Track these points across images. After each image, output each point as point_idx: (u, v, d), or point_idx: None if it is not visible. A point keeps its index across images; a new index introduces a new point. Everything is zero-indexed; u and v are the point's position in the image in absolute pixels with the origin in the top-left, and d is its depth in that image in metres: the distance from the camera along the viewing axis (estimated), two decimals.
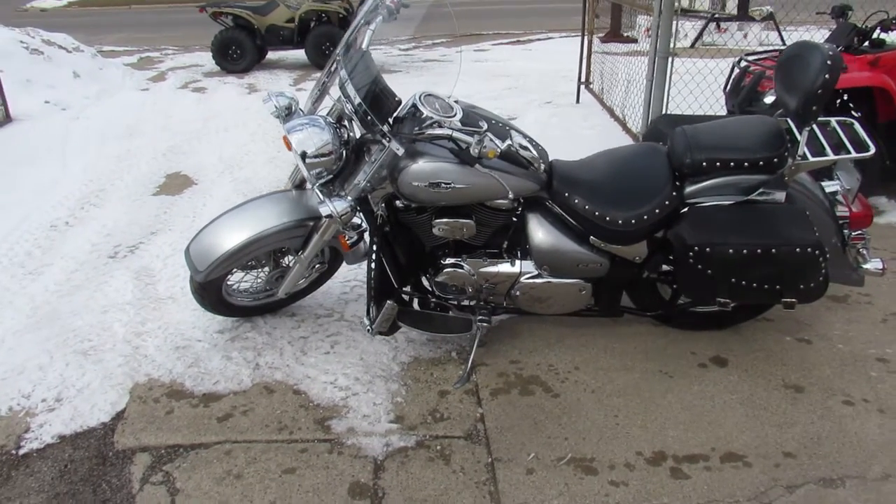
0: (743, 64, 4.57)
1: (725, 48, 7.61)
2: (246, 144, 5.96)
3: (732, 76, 4.70)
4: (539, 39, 13.12)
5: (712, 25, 10.65)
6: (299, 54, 10.36)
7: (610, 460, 2.35)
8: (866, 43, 4.37)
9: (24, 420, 2.51)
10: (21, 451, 2.37)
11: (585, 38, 7.35)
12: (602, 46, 7.53)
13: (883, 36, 4.39)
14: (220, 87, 8.80)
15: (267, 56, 10.64)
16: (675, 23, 4.54)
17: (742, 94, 4.31)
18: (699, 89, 5.22)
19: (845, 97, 4.28)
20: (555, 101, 7.41)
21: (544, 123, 6.48)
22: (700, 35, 10.56)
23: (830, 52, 2.34)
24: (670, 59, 4.71)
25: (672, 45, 4.73)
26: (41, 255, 3.80)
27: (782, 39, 10.23)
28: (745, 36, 10.78)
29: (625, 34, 11.31)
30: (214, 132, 6.42)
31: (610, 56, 6.80)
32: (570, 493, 2.21)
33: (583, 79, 7.47)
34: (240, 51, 9.71)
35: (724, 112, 4.83)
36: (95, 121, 6.84)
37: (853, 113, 4.27)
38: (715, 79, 5.20)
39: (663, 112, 4.87)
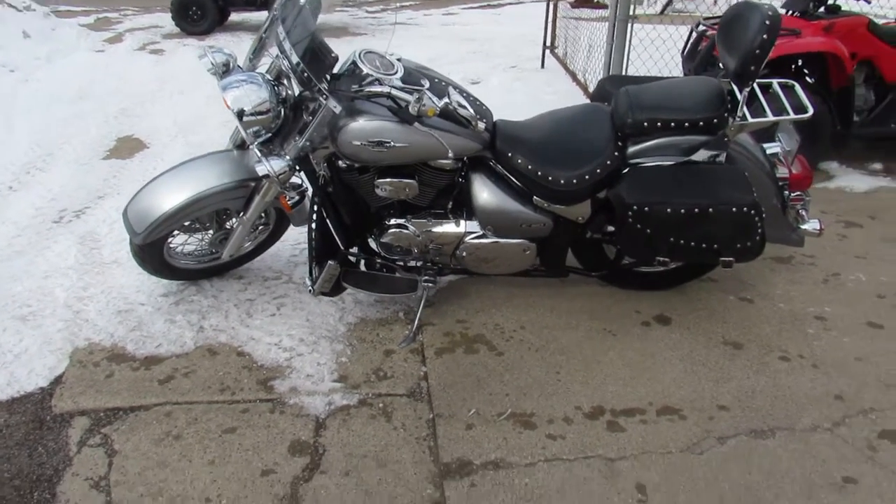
0: (700, 28, 4.57)
1: (696, 14, 7.60)
2: (201, 108, 5.85)
3: (690, 40, 4.70)
4: (510, 3, 13.02)
5: None
6: (263, 16, 10.13)
7: (549, 415, 2.39)
8: (822, 8, 4.39)
9: None
10: None
11: (550, 3, 7.30)
12: (571, 12, 7.48)
13: (839, 2, 4.42)
14: (179, 49, 8.59)
15: (229, 17, 10.40)
16: None
17: (698, 58, 4.31)
18: (658, 54, 5.23)
19: (800, 62, 4.32)
20: (519, 66, 7.37)
21: (507, 88, 6.45)
22: (670, 1, 10.54)
23: (769, 12, 2.35)
24: (630, 24, 4.71)
25: (633, 10, 4.72)
26: None
27: None
28: (715, 2, 10.78)
29: (596, 0, 11.25)
30: (170, 95, 6.29)
31: (574, 21, 6.76)
32: (508, 446, 2.25)
33: (548, 44, 7.43)
34: (200, 11, 9.47)
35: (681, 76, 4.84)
36: (45, 83, 6.64)
37: (807, 79, 4.31)
38: (675, 44, 5.21)
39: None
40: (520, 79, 6.75)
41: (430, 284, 2.78)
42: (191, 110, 5.78)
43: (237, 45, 8.87)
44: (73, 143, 4.94)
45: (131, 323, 2.81)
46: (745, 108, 2.52)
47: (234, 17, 10.62)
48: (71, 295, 2.98)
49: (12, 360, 2.58)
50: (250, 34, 9.75)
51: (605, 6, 10.26)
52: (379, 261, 2.83)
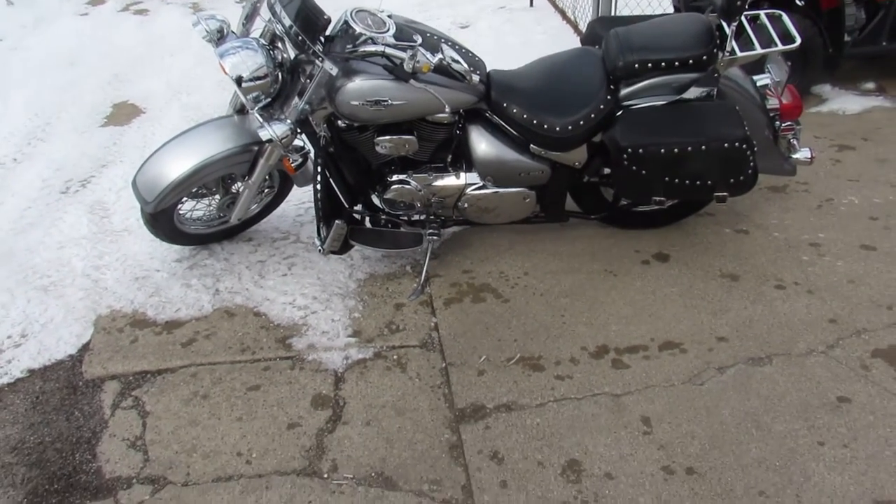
0: None
1: None
2: (193, 69, 5.81)
3: None
4: None
5: None
6: None
7: (556, 357, 2.50)
8: None
9: None
10: None
11: None
12: None
13: None
14: (163, 8, 8.43)
15: None
16: None
17: None
18: None
19: None
20: (508, 6, 7.24)
21: (498, 30, 6.38)
22: None
23: None
24: None
25: None
26: None
27: None
28: None
29: None
30: (160, 57, 6.23)
31: None
32: (518, 389, 2.37)
33: None
34: None
35: (671, 10, 4.80)
36: (34, 51, 6.57)
37: (797, 2, 4.28)
38: None
39: (612, 12, 4.83)
40: (510, 20, 6.65)
41: (435, 237, 2.86)
42: (182, 72, 5.74)
43: (220, 1, 8.73)
44: (70, 111, 4.95)
45: (149, 289, 2.91)
46: (733, 43, 2.55)
47: None
48: (88, 264, 3.07)
49: (40, 330, 2.69)
50: None
51: None
52: (383, 217, 2.90)
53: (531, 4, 7.14)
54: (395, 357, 2.54)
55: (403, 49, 2.33)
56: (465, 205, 2.83)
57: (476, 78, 2.47)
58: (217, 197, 3.00)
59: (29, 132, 4.61)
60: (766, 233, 3.11)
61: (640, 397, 2.31)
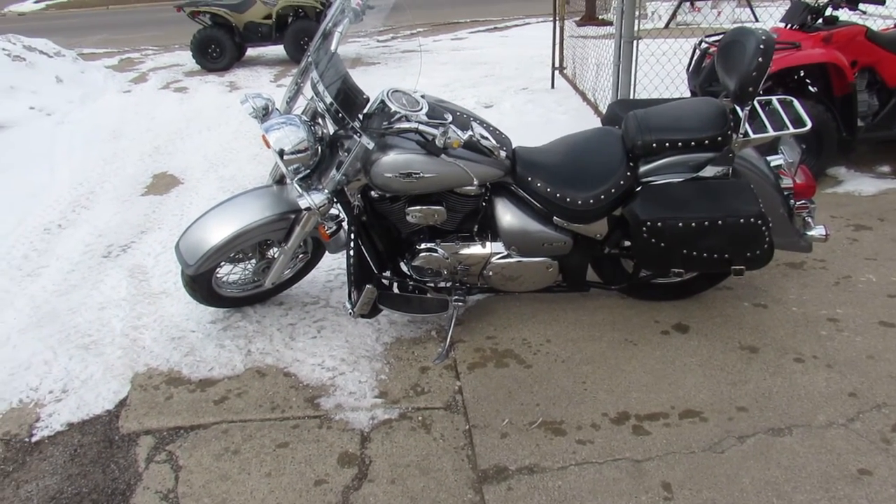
0: (703, 45, 4.75)
1: (700, 28, 7.80)
2: (229, 142, 6.11)
3: (694, 57, 4.88)
4: (516, 25, 13.27)
5: (686, 5, 10.82)
6: (278, 50, 10.47)
7: (577, 422, 2.55)
8: (820, 20, 4.55)
9: (34, 411, 2.69)
10: (34, 439, 2.55)
11: (557, 23, 7.51)
12: (578, 30, 7.69)
13: (835, 13, 4.58)
14: (202, 86, 8.92)
15: (246, 53, 10.74)
16: (646, 4, 4.71)
17: (702, 74, 4.49)
18: (665, 71, 5.41)
19: (802, 73, 4.49)
20: (530, 87, 7.58)
21: (520, 110, 6.66)
22: (674, 15, 10.73)
23: (763, 37, 2.54)
24: (635, 43, 4.90)
25: (637, 29, 4.91)
26: (37, 258, 3.96)
27: (755, 16, 10.42)
28: (719, 14, 10.97)
29: (600, 17, 11.49)
30: (198, 131, 6.57)
31: (581, 40, 6.97)
32: (541, 452, 2.42)
33: (556, 64, 7.64)
34: (219, 49, 9.82)
35: (688, 93, 5.02)
36: (80, 125, 6.96)
37: (810, 88, 4.47)
38: (680, 60, 5.39)
39: (631, 95, 5.06)
40: (532, 100, 6.95)
41: (460, 303, 2.97)
42: (219, 145, 6.05)
43: (256, 79, 9.20)
44: (113, 181, 5.22)
45: (184, 349, 3.03)
46: (747, 125, 2.70)
47: (251, 52, 10.97)
48: (127, 324, 3.20)
49: (80, 386, 2.80)
50: (267, 67, 10.09)
51: (610, 23, 10.54)
52: (411, 283, 3.02)
53: (552, 86, 7.46)
54: (419, 418, 2.60)
55: (435, 126, 2.51)
56: (490, 273, 2.94)
57: (503, 154, 2.64)
58: (253, 262, 3.15)
59: (74, 200, 4.86)
60: (784, 307, 3.18)
61: (661, 463, 2.35)
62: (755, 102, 2.72)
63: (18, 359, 2.99)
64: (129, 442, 2.52)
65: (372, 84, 2.65)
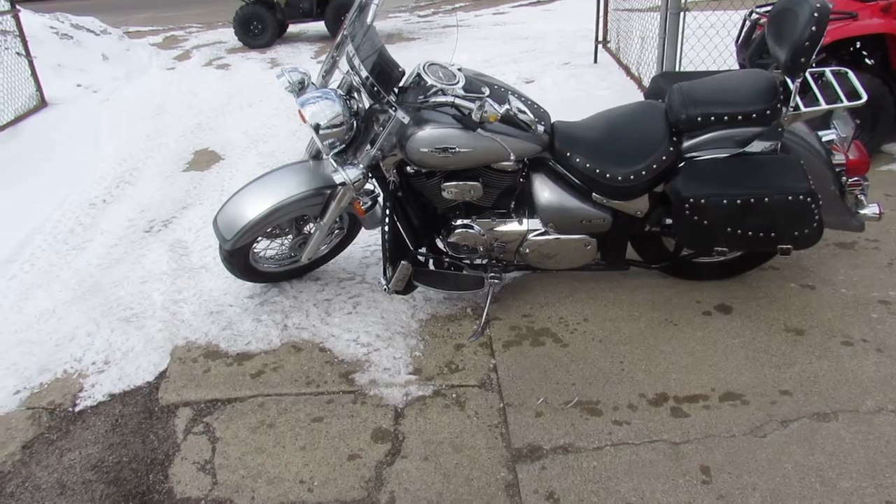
0: (753, 16, 4.57)
1: None
2: (269, 119, 6.15)
3: (744, 29, 4.70)
4: None
5: None
6: (319, 26, 10.47)
7: (614, 402, 2.51)
8: None
9: (77, 381, 2.76)
10: (77, 409, 2.61)
11: None
12: (623, 3, 7.49)
13: None
14: (243, 62, 8.98)
15: (288, 30, 10.77)
16: None
17: (752, 46, 4.32)
18: (712, 44, 5.23)
19: (858, 45, 4.29)
20: (572, 62, 7.43)
21: (562, 85, 6.54)
22: None
23: (818, 5, 2.41)
24: (682, 15, 4.74)
25: (684, 1, 4.75)
26: (83, 232, 4.05)
27: None
28: None
29: None
30: (239, 108, 6.62)
31: (625, 14, 6.79)
32: (576, 432, 2.38)
33: (600, 38, 7.47)
34: (261, 26, 9.85)
35: (736, 66, 4.85)
36: (125, 102, 7.08)
37: (867, 61, 4.27)
38: (728, 32, 5.20)
39: (676, 68, 4.91)
40: (573, 75, 6.81)
41: (496, 281, 2.94)
42: (259, 122, 6.09)
43: (296, 56, 9.22)
44: (156, 157, 5.30)
45: (222, 323, 3.06)
46: (797, 98, 2.58)
47: (292, 28, 11.00)
48: (167, 298, 3.26)
49: (121, 358, 2.86)
50: (308, 44, 10.10)
51: None
52: (447, 260, 3.00)
53: (595, 61, 7.30)
54: (454, 395, 2.59)
55: (472, 100, 2.46)
56: (527, 250, 2.90)
57: (541, 128, 2.57)
58: (290, 237, 3.17)
59: (118, 176, 4.95)
60: (833, 289, 3.06)
61: (700, 446, 2.29)
62: (807, 74, 2.60)
63: (63, 330, 3.06)
64: (168, 413, 2.57)
65: (411, 60, 2.61)
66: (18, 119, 6.36)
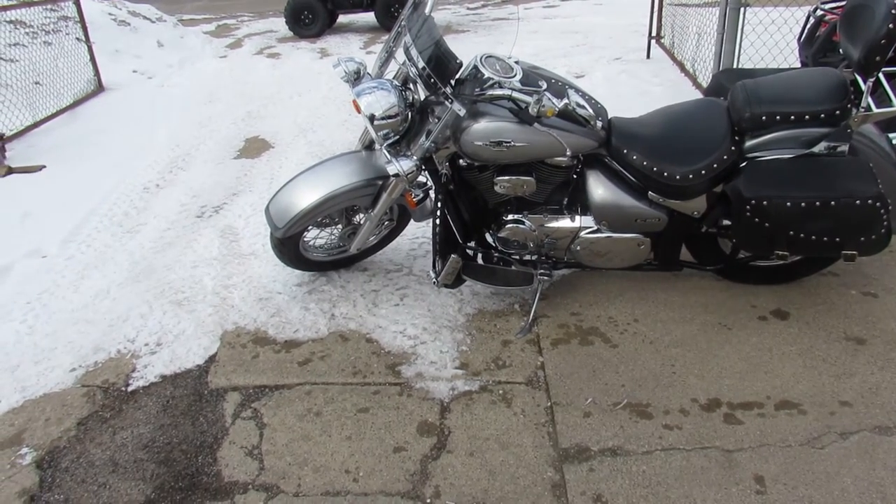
0: (818, 13, 4.42)
1: None
2: (319, 108, 6.19)
3: (808, 26, 4.56)
4: None
5: None
6: (369, 17, 10.50)
7: (665, 406, 2.45)
8: None
9: (130, 361, 2.81)
10: (129, 388, 2.66)
11: None
12: None
13: None
14: (294, 52, 9.06)
15: (338, 20, 10.83)
16: None
17: (816, 44, 4.19)
18: (773, 41, 5.08)
19: None
20: (624, 57, 7.31)
21: (613, 80, 6.43)
22: None
23: None
24: (742, 10, 4.61)
25: None
26: (136, 215, 4.13)
27: None
28: None
29: None
30: (289, 97, 6.68)
31: (681, 8, 6.64)
32: (625, 434, 2.34)
33: (653, 33, 7.32)
34: (311, 15, 9.92)
35: (797, 64, 4.70)
36: (179, 88, 7.21)
37: None
38: (790, 29, 5.05)
39: (734, 66, 4.78)
40: (625, 71, 6.70)
41: (546, 277, 2.89)
42: (309, 111, 6.13)
43: (346, 46, 9.27)
44: (208, 144, 5.38)
45: (271, 309, 3.09)
46: (869, 98, 2.48)
47: (342, 18, 11.06)
48: (217, 283, 3.30)
49: (172, 340, 2.91)
50: (358, 35, 10.14)
51: None
52: (496, 255, 2.97)
53: (648, 56, 7.17)
54: (500, 392, 2.57)
55: (529, 94, 2.42)
56: (578, 248, 2.85)
57: (599, 124, 2.52)
58: (340, 227, 3.17)
59: (171, 161, 5.04)
60: None
61: (754, 455, 2.22)
62: (880, 74, 2.49)
63: (117, 311, 3.13)
64: (217, 397, 2.60)
65: (461, 52, 2.59)
66: (77, 103, 6.52)
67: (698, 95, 5.37)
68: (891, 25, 2.29)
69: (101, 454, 2.36)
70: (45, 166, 4.94)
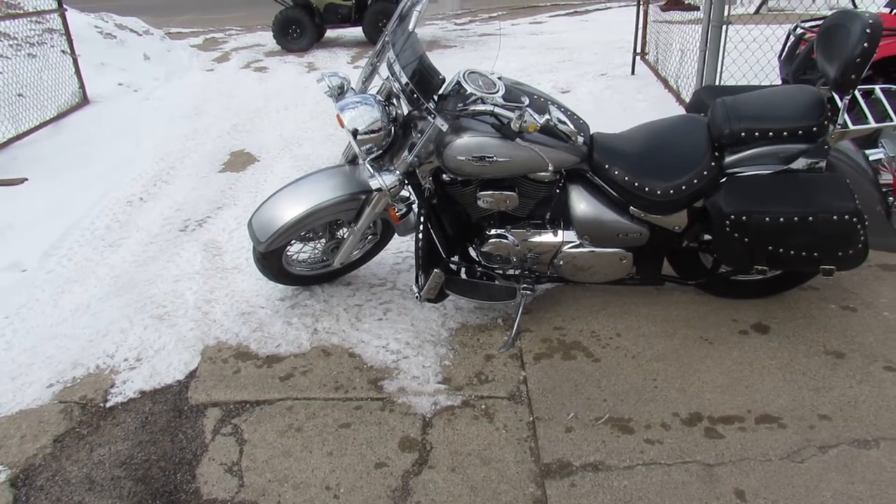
0: (798, 31, 4.50)
1: (794, 13, 7.37)
2: (305, 122, 6.19)
3: (788, 44, 4.62)
4: (597, 9, 12.95)
5: None
6: (357, 32, 10.54)
7: (646, 420, 2.46)
8: None
9: (109, 377, 2.78)
10: (108, 404, 2.63)
11: (641, 7, 7.27)
12: (662, 15, 7.43)
13: None
14: (281, 66, 9.07)
15: (325, 34, 10.87)
16: None
17: (796, 62, 4.25)
18: (754, 58, 5.15)
19: None
20: (609, 73, 7.38)
21: (598, 96, 6.49)
22: (765, 0, 10.24)
23: (871, 21, 2.35)
24: (724, 28, 4.67)
25: (727, 14, 4.68)
26: (119, 229, 4.11)
27: (854, 2, 9.82)
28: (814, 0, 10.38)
29: (686, 1, 11.06)
30: (275, 111, 6.68)
31: (665, 25, 6.73)
32: (607, 449, 2.34)
33: (638, 50, 7.40)
34: (299, 30, 9.96)
35: (779, 81, 4.76)
36: (165, 101, 7.19)
37: None
38: (771, 47, 5.12)
39: (717, 82, 4.84)
40: (610, 86, 6.76)
41: (529, 292, 2.90)
42: (295, 125, 6.13)
43: (333, 61, 9.29)
44: (193, 157, 5.36)
45: (253, 324, 3.07)
46: (845, 115, 2.52)
47: (330, 33, 11.10)
48: (199, 297, 3.28)
49: (153, 355, 2.88)
50: (345, 49, 10.18)
51: (696, 8, 10.14)
52: (479, 269, 2.97)
53: (633, 72, 7.24)
54: (482, 407, 2.56)
55: (512, 109, 2.44)
56: (561, 262, 2.86)
57: (580, 139, 2.54)
58: (323, 241, 3.17)
59: (155, 174, 5.02)
60: (875, 312, 2.98)
61: (735, 469, 2.23)
62: (856, 91, 2.53)
63: (97, 326, 3.10)
64: (197, 413, 2.58)
65: (448, 67, 2.60)
66: (61, 115, 6.49)
67: (681, 111, 5.43)
68: (865, 44, 2.33)
69: (78, 472, 2.32)
70: (26, 179, 4.90)
